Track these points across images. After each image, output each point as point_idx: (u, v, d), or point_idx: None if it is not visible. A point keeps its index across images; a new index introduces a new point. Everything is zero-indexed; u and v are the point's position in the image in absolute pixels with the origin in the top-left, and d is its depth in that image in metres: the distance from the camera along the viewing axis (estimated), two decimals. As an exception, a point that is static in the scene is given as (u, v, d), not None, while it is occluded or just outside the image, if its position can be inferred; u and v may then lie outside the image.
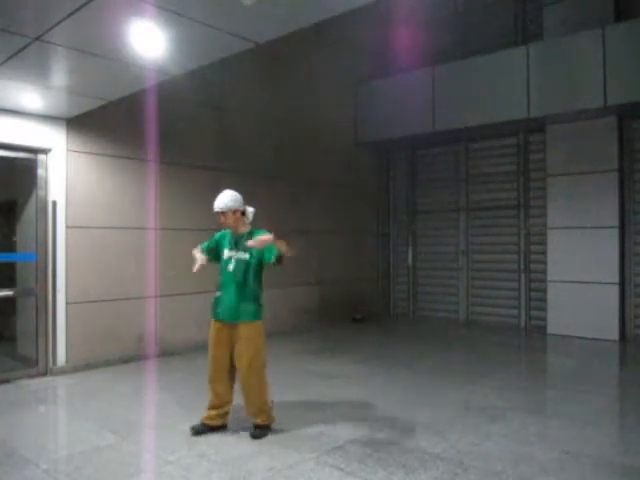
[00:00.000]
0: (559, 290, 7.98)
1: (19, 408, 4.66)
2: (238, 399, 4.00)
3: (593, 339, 7.54)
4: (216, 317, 3.93)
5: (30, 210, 5.83)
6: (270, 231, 3.84)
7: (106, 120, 5.99)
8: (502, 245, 9.01)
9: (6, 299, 5.72)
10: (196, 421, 4.02)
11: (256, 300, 3.93)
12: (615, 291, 7.54)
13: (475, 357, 6.84)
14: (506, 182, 8.96)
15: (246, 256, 3.88)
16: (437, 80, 8.73)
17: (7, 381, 5.37)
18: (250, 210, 4.01)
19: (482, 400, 4.80)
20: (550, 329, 8.06)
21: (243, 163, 7.54)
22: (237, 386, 3.98)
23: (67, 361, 5.79)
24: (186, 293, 6.71)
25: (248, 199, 4.05)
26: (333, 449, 3.67)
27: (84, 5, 3.18)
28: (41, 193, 5.70)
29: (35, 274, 5.68)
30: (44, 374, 5.65)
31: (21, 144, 5.51)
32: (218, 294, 3.94)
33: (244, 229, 3.97)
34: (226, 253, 3.96)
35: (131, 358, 6.27)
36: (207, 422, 3.95)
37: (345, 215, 9.39)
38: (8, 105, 5.23)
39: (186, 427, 3.99)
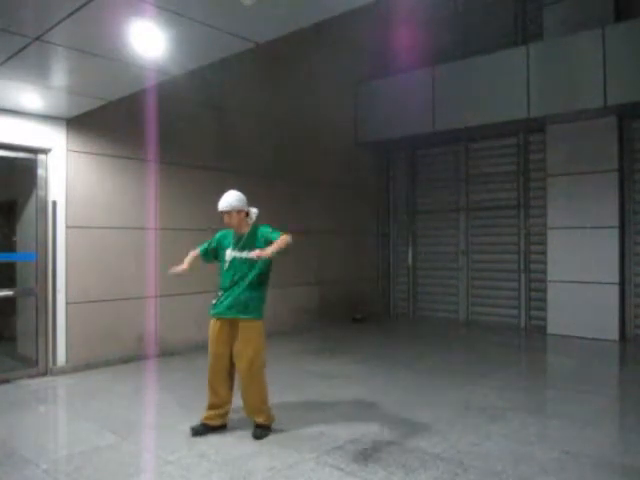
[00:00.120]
0: (559, 290, 7.98)
1: (19, 408, 4.66)
2: (238, 399, 4.00)
3: (593, 339, 7.54)
4: (217, 315, 3.93)
5: (30, 210, 5.83)
6: (275, 229, 3.85)
7: (106, 120, 5.99)
8: (502, 245, 9.01)
9: (6, 299, 5.72)
10: (196, 421, 4.02)
11: (258, 297, 3.93)
12: (615, 291, 7.54)
13: (475, 357, 6.84)
14: (506, 182, 8.96)
15: (247, 254, 3.88)
16: (437, 80, 8.73)
17: (7, 381, 5.37)
18: (254, 211, 4.02)
19: (482, 400, 4.79)
20: (550, 329, 8.06)
21: (243, 163, 7.54)
22: (237, 386, 3.99)
23: (67, 361, 5.79)
24: (186, 293, 6.72)
25: (248, 199, 4.05)
26: (333, 449, 3.66)
27: (84, 5, 3.18)
28: (41, 193, 5.70)
29: (35, 274, 5.68)
30: (44, 374, 5.65)
31: (21, 144, 5.51)
32: (220, 294, 3.94)
33: (246, 229, 3.97)
34: (228, 253, 3.95)
35: (131, 358, 6.27)
36: (207, 422, 3.94)
37: (345, 215, 9.39)
38: (8, 105, 5.23)
39: (186, 427, 3.99)
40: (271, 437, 3.87)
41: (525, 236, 8.73)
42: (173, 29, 3.59)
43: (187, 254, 4.17)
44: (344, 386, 5.28)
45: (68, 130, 5.82)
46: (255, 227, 3.97)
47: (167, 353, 6.57)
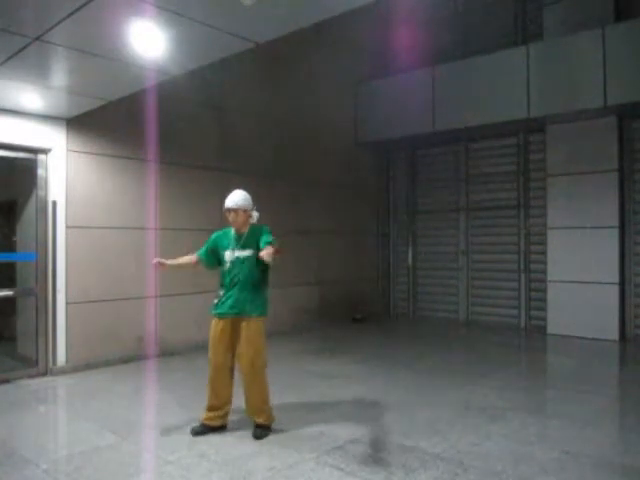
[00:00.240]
0: (559, 290, 7.98)
1: (19, 408, 4.66)
2: (237, 399, 4.00)
3: (593, 339, 7.54)
4: (219, 315, 3.92)
5: (30, 210, 5.83)
6: (271, 235, 3.86)
7: (106, 120, 5.99)
8: (502, 245, 9.01)
9: (6, 299, 5.72)
10: (196, 421, 4.02)
11: (260, 295, 3.94)
12: (615, 291, 7.54)
13: (475, 357, 6.84)
14: (506, 182, 8.96)
15: (248, 253, 3.88)
16: (437, 80, 8.72)
17: (7, 381, 5.37)
18: (255, 214, 4.03)
19: (482, 400, 4.79)
20: (550, 329, 8.06)
21: (243, 163, 7.54)
22: (237, 386, 3.99)
23: (67, 361, 5.79)
24: (186, 293, 6.72)
25: (248, 199, 4.06)
26: (333, 449, 3.66)
27: (84, 5, 3.18)
28: (41, 193, 5.70)
29: (35, 274, 5.68)
30: (44, 374, 5.65)
31: (21, 144, 5.51)
32: (221, 293, 3.94)
33: (246, 229, 3.98)
34: (228, 253, 3.95)
35: (131, 358, 6.27)
36: (207, 423, 3.94)
37: (345, 215, 9.39)
38: (8, 105, 5.23)
39: (186, 427, 3.99)
40: (271, 437, 3.87)
41: (525, 236, 8.73)
42: (173, 29, 3.59)
43: (186, 253, 4.17)
44: (344, 386, 5.27)
45: (68, 130, 5.82)
46: (254, 227, 3.98)
47: (167, 353, 6.57)
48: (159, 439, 3.87)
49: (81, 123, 5.85)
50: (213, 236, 4.12)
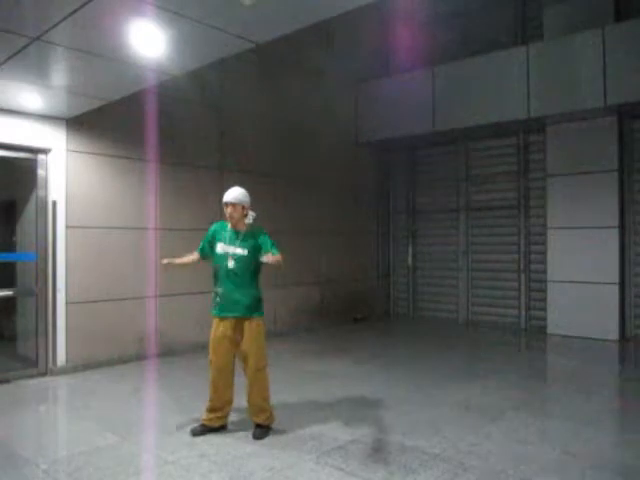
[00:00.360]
0: (559, 290, 7.98)
1: (19, 408, 4.67)
2: (237, 399, 4.00)
3: (593, 339, 7.54)
4: (220, 314, 3.92)
5: (30, 210, 5.83)
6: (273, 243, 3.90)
7: (106, 120, 5.99)
8: (502, 245, 9.01)
9: (6, 299, 5.72)
10: (196, 421, 4.02)
11: (257, 295, 3.96)
12: (615, 291, 7.54)
13: (475, 357, 6.84)
14: (506, 182, 8.96)
15: (245, 252, 3.89)
16: (437, 80, 8.72)
17: (7, 381, 5.37)
18: (252, 214, 4.05)
19: (482, 400, 4.80)
20: (550, 329, 8.06)
21: (243, 163, 7.53)
22: (237, 386, 3.98)
23: (67, 361, 5.79)
24: (186, 293, 6.72)
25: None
26: (333, 449, 3.67)
27: (84, 5, 3.18)
28: (41, 193, 5.70)
29: (35, 274, 5.68)
30: (44, 374, 5.65)
31: (21, 144, 5.51)
32: (219, 290, 3.94)
33: (243, 227, 3.99)
34: (221, 247, 3.96)
35: (131, 358, 6.27)
36: (207, 424, 3.94)
37: (345, 215, 9.39)
38: (8, 105, 5.23)
39: (186, 427, 3.99)
40: (271, 437, 3.87)
41: (525, 236, 8.73)
42: (173, 29, 3.58)
43: (186, 253, 4.17)
44: (344, 386, 5.27)
45: (68, 130, 5.82)
46: (256, 230, 3.99)
47: (167, 353, 6.57)
48: (159, 439, 3.87)
49: (81, 123, 5.85)
50: (211, 228, 4.14)
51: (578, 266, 7.79)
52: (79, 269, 5.88)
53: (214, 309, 3.96)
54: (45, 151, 5.71)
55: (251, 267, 3.92)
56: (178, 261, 4.16)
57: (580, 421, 4.22)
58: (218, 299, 3.93)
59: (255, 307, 3.91)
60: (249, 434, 3.88)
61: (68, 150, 5.83)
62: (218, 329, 3.92)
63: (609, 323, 7.54)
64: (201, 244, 4.15)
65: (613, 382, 5.84)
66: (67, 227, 5.81)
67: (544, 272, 8.26)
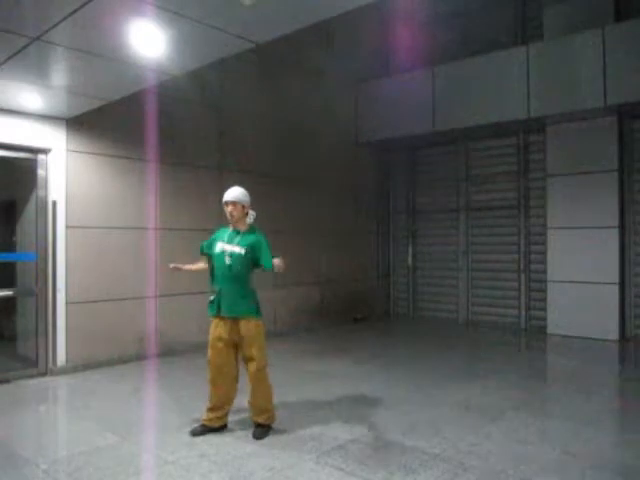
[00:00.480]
0: (559, 290, 7.98)
1: (19, 408, 4.67)
2: (238, 399, 4.00)
3: (593, 339, 7.54)
4: (218, 314, 3.91)
5: (30, 210, 5.83)
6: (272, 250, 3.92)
7: (106, 120, 5.99)
8: (502, 245, 9.01)
9: (6, 299, 5.72)
10: (196, 421, 4.02)
11: (253, 296, 3.95)
12: (615, 291, 7.54)
13: (475, 357, 6.84)
14: (506, 182, 8.96)
15: (242, 251, 3.89)
16: (437, 80, 8.72)
17: (7, 381, 5.37)
18: (252, 213, 4.05)
19: (482, 400, 4.80)
20: (550, 329, 8.06)
21: (243, 163, 7.53)
22: (239, 386, 3.98)
23: (67, 361, 5.79)
24: (186, 293, 6.72)
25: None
26: (333, 449, 3.67)
27: (84, 5, 3.18)
28: (41, 193, 5.70)
29: (35, 274, 5.68)
30: (44, 374, 5.65)
31: (21, 144, 5.51)
32: (217, 288, 3.94)
33: (244, 228, 3.99)
34: (220, 245, 3.96)
35: (131, 358, 6.27)
36: (207, 424, 3.94)
37: (345, 215, 9.39)
38: (8, 105, 5.23)
39: (186, 427, 3.99)
40: (271, 437, 3.87)
41: (525, 236, 8.73)
42: (173, 29, 3.59)
43: (187, 254, 4.18)
44: (344, 386, 5.27)
45: (68, 130, 5.82)
46: (255, 232, 3.99)
47: (167, 353, 6.56)
48: (159, 439, 3.87)
49: (81, 123, 5.85)
50: (215, 233, 4.15)
51: (578, 266, 7.79)
52: (79, 269, 5.88)
53: (210, 309, 3.95)
54: (45, 151, 5.70)
55: (247, 267, 3.92)
56: (187, 267, 4.19)
57: (580, 421, 4.22)
58: (214, 298, 3.93)
59: (251, 308, 3.90)
60: (249, 434, 3.88)
61: (68, 150, 5.83)
62: (216, 329, 3.92)
63: (609, 323, 7.54)
64: (205, 242, 4.15)
65: (613, 382, 5.84)
66: (67, 227, 5.81)
67: (544, 272, 8.26)
